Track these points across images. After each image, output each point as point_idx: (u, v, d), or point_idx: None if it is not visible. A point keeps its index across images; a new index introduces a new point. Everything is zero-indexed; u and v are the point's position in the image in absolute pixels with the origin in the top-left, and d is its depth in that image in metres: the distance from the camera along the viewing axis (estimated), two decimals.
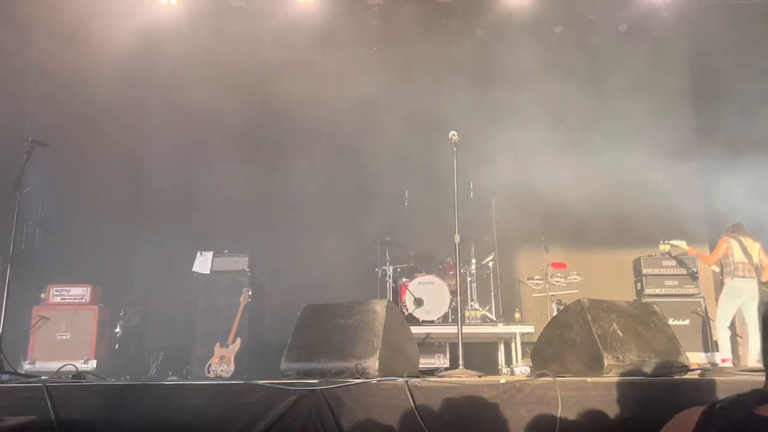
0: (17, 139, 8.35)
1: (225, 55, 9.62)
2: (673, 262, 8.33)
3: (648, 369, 4.22)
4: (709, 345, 7.86)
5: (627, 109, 9.26)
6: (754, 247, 7.53)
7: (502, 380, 3.93)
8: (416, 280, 8.17)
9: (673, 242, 8.16)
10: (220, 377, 7.36)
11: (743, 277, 7.40)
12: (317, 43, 9.57)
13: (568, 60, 9.20)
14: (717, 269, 7.85)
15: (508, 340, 8.09)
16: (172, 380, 6.84)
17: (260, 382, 3.99)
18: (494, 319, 8.34)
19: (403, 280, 8.38)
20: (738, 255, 7.48)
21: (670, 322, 6.88)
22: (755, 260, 7.48)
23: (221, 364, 7.57)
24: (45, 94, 9.44)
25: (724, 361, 7.31)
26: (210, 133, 9.50)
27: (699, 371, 4.89)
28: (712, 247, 8.59)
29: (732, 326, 7.63)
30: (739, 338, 7.85)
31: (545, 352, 4.87)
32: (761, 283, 7.50)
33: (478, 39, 9.76)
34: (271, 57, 9.58)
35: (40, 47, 9.53)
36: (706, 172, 9.16)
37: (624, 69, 9.24)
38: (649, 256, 8.43)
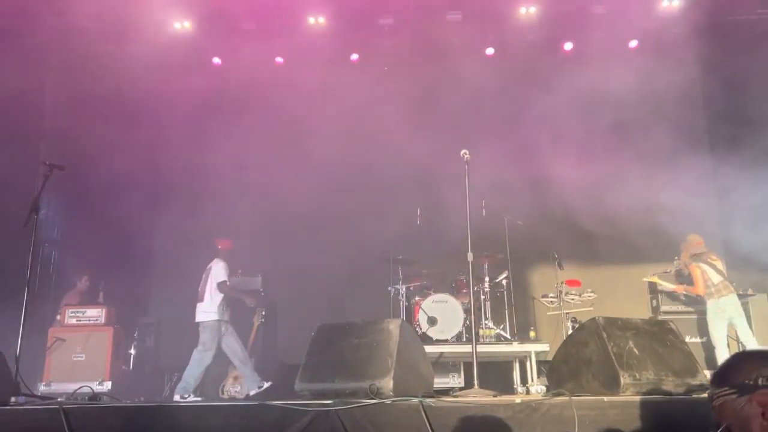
0: (35, 162, 8.52)
1: (239, 76, 9.75)
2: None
3: (665, 387, 4.16)
4: None
5: (640, 125, 9.25)
6: (722, 266, 7.67)
7: (518, 400, 3.89)
8: (429, 299, 8.14)
9: (657, 280, 8.16)
10: (234, 398, 7.35)
11: (726, 295, 7.49)
12: (328, 62, 9.68)
13: (579, 77, 9.20)
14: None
15: (523, 359, 8.02)
16: (186, 401, 6.85)
17: (274, 402, 3.98)
18: (509, 337, 8.29)
19: (416, 298, 8.35)
20: (714, 277, 7.59)
21: (687, 339, 6.81)
22: (725, 274, 7.62)
23: (235, 384, 7.57)
24: (62, 118, 9.62)
25: None
26: (225, 155, 9.58)
27: None
28: (728, 263, 8.52)
29: (741, 344, 7.58)
30: None
31: (561, 370, 4.82)
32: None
33: (489, 57, 9.82)
34: (282, 77, 9.71)
35: (56, 73, 9.73)
36: (720, 188, 9.09)
37: (635, 85, 9.23)
38: (664, 272, 8.37)
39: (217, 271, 7.70)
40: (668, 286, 8.13)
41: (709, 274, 7.58)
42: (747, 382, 1.95)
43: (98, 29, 9.25)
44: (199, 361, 7.40)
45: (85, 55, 9.37)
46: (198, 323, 7.65)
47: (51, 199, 9.10)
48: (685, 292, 8.08)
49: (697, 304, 8.21)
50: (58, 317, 8.08)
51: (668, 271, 8.38)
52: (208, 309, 7.58)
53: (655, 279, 8.23)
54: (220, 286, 7.61)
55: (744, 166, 8.33)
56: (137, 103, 9.19)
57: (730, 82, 8.79)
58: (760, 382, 1.93)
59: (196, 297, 7.90)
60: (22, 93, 8.43)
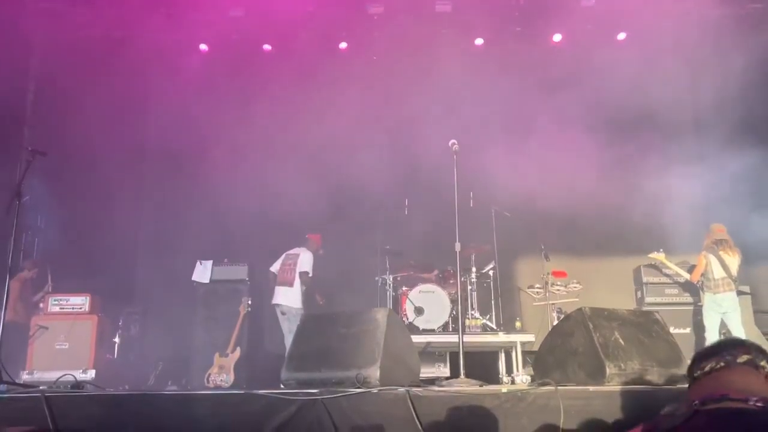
0: (17, 148, 8.40)
1: (223, 63, 9.67)
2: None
3: (650, 378, 4.19)
4: None
5: (627, 118, 9.28)
6: (734, 262, 7.61)
7: (504, 389, 3.90)
8: (416, 289, 8.15)
9: (663, 258, 8.14)
10: (219, 387, 7.33)
11: (724, 292, 7.51)
12: (316, 50, 9.61)
13: (568, 69, 9.21)
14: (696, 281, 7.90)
15: (508, 349, 8.06)
16: (171, 390, 6.81)
17: (260, 391, 3.96)
18: (495, 327, 8.32)
19: (404, 288, 8.36)
20: (717, 271, 7.58)
21: (671, 330, 6.87)
22: (734, 273, 7.58)
23: (221, 373, 7.55)
24: (45, 104, 9.48)
25: None
26: (209, 143, 9.50)
27: None
28: None
29: (729, 336, 7.65)
30: None
31: (547, 360, 4.84)
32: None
33: (478, 48, 9.80)
34: (270, 65, 9.63)
35: (40, 57, 9.58)
36: (705, 180, 9.15)
37: (623, 78, 9.25)
38: (649, 264, 8.42)
39: (305, 260, 7.88)
40: (671, 266, 8.14)
41: (713, 266, 7.58)
42: (693, 374, 2.19)
43: (83, 14, 9.11)
44: None
45: (69, 40, 9.21)
46: (278, 305, 7.76)
47: (34, 186, 8.97)
48: (682, 273, 8.08)
49: (685, 295, 8.29)
50: (41, 305, 8.01)
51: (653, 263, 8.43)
52: (296, 295, 7.73)
53: (661, 257, 8.14)
54: (303, 276, 7.78)
55: (734, 158, 8.39)
56: (122, 88, 9.08)
57: (720, 73, 8.82)
58: (695, 374, 2.17)
59: (183, 285, 7.85)
60: (5, 77, 8.28)
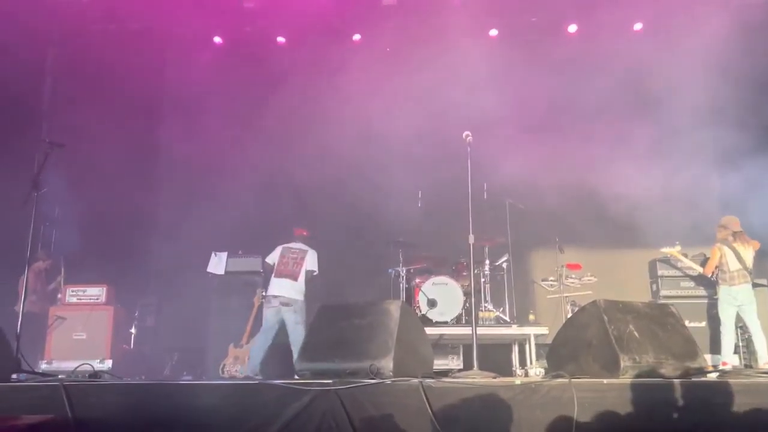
0: (35, 140, 8.48)
1: (237, 55, 9.70)
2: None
3: (665, 371, 4.17)
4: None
5: (643, 109, 9.19)
6: (749, 253, 7.49)
7: (518, 381, 3.91)
8: (430, 281, 8.14)
9: (676, 253, 8.04)
10: (234, 378, 7.38)
11: (739, 284, 7.40)
12: (330, 42, 9.60)
13: (583, 60, 9.13)
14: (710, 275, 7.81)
15: (522, 342, 8.04)
16: (186, 380, 6.88)
17: (275, 381, 4.00)
18: (508, 320, 8.30)
19: (417, 280, 8.35)
20: (732, 263, 7.47)
21: (687, 323, 6.83)
22: (749, 265, 7.46)
23: (235, 364, 7.60)
24: (62, 96, 9.57)
25: (724, 364, 7.29)
26: (224, 134, 9.54)
27: (717, 373, 4.84)
28: None
29: (745, 330, 7.58)
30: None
31: (561, 353, 4.83)
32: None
33: (493, 38, 9.74)
34: (284, 56, 9.64)
35: (57, 50, 9.66)
36: (722, 172, 9.05)
37: (640, 69, 9.15)
38: (664, 257, 8.35)
39: (313, 260, 7.84)
40: (685, 261, 8.07)
41: (728, 258, 7.47)
42: None
43: (99, 7, 9.17)
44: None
45: (86, 33, 9.29)
46: (277, 297, 7.63)
47: (51, 178, 9.07)
48: (695, 267, 7.99)
49: (701, 288, 8.21)
50: (59, 296, 8.11)
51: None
52: (300, 289, 7.69)
53: (674, 252, 8.03)
54: (310, 274, 7.77)
55: (750, 150, 8.28)
56: (137, 80, 9.13)
57: (736, 64, 8.69)
58: None
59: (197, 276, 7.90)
60: (23, 70, 8.36)
